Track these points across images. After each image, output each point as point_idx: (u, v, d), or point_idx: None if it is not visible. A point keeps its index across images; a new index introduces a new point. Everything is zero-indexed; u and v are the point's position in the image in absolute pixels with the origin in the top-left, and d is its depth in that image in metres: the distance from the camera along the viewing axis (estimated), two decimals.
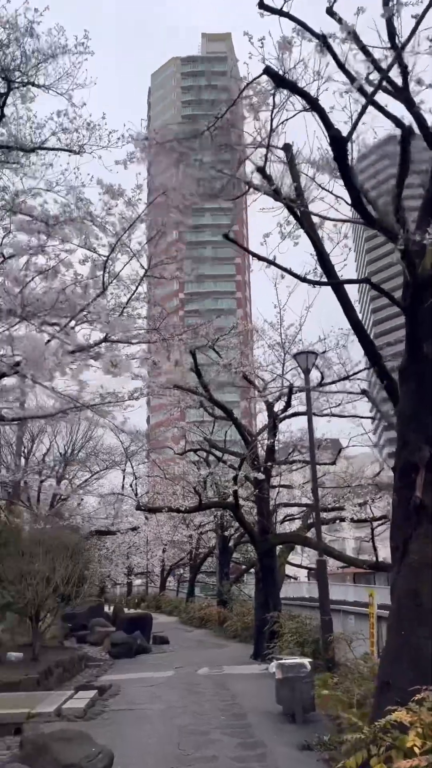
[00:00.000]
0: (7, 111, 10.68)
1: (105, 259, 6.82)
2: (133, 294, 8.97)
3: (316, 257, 7.01)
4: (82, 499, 35.74)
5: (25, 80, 10.12)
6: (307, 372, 11.78)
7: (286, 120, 5.62)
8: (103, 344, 9.71)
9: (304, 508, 19.55)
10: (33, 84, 10.38)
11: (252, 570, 31.20)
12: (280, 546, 17.11)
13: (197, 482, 16.48)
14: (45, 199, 10.39)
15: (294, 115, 5.65)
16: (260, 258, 6.12)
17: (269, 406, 16.11)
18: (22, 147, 11.07)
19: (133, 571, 49.66)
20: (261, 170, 6.93)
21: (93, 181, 9.42)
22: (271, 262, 6.16)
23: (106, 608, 34.31)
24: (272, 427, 15.22)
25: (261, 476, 13.92)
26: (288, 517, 24.01)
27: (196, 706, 10.25)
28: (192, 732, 8.47)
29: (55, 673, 13.92)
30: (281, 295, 17.98)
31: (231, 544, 26.64)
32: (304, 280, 6.20)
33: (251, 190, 7.71)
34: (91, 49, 10.26)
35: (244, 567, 32.22)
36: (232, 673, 13.53)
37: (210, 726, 8.80)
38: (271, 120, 6.62)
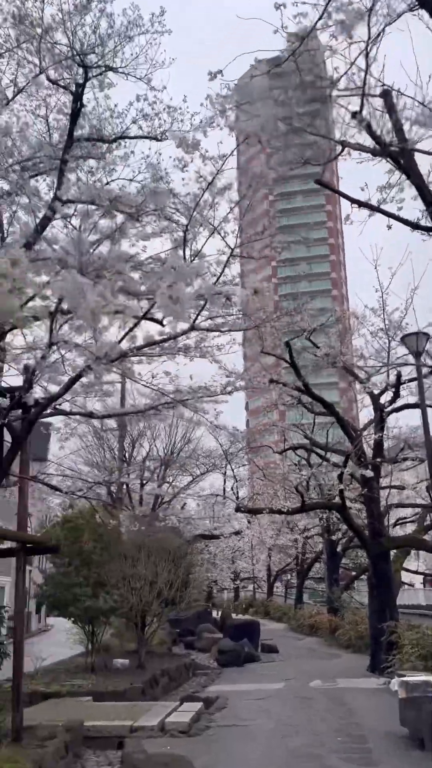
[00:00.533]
0: (86, 102, 10.40)
1: (184, 229, 6.19)
2: (219, 276, 8.30)
3: (426, 210, 6.02)
4: (185, 503, 35.66)
5: (102, 64, 9.75)
6: (418, 355, 10.61)
7: (389, 24, 4.71)
8: (192, 333, 9.16)
9: (420, 510, 18.05)
10: (111, 69, 10.00)
11: (363, 576, 29.76)
12: (395, 550, 15.81)
13: (299, 482, 15.50)
14: (128, 188, 10.01)
15: (396, 19, 4.74)
16: (361, 204, 5.24)
17: (374, 398, 14.94)
18: (103, 138, 10.75)
19: (240, 576, 49.23)
20: (357, 115, 6.05)
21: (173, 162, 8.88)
22: (375, 208, 5.27)
23: (214, 613, 33.95)
24: (379, 421, 14.05)
25: (369, 473, 12.80)
26: (400, 521, 22.43)
27: (308, 724, 9.36)
28: (305, 755, 7.61)
29: (160, 682, 13.49)
30: (383, 279, 16.61)
31: (339, 549, 25.35)
32: (416, 226, 5.26)
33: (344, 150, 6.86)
34: (168, 27, 9.78)
35: (354, 573, 30.74)
36: (348, 687, 12.48)
37: (325, 749, 7.89)
38: (367, 53, 5.74)
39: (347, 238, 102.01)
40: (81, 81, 10.21)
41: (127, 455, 24.90)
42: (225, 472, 35.47)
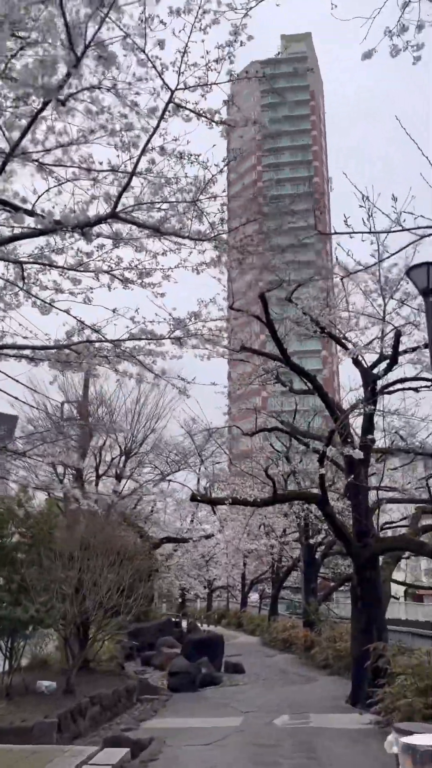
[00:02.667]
0: None
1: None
2: (156, 129, 5.64)
3: None
4: (154, 504, 33.03)
5: None
6: (428, 294, 8.05)
7: None
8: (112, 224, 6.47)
9: (414, 508, 15.40)
10: None
11: (343, 587, 27.08)
12: (383, 556, 13.17)
13: (269, 465, 12.75)
14: None
15: None
16: None
17: (364, 371, 12.35)
18: None
19: (213, 585, 46.45)
20: None
21: None
22: None
23: (183, 624, 31.23)
24: (370, 396, 11.43)
25: (358, 453, 10.14)
26: (387, 525, 19.81)
27: None
28: None
29: (88, 712, 10.69)
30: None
31: (318, 555, 22.59)
32: None
33: None
34: None
35: (332, 584, 28.07)
36: (324, 728, 9.77)
37: None
38: None
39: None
40: None
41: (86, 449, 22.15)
42: (199, 469, 33.00)
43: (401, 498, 14.49)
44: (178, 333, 8.30)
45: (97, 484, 20.80)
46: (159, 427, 23.69)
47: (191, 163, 6.15)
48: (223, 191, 6.88)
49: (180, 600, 48.37)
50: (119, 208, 5.96)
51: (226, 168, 6.49)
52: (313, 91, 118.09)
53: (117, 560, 13.77)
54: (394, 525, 20.00)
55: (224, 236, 7.21)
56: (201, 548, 30.00)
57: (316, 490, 12.22)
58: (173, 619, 33.29)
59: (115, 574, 13.48)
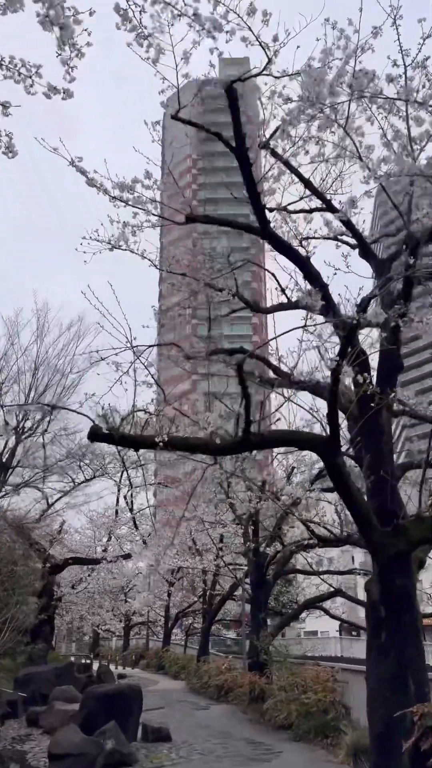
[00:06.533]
0: None
1: None
2: None
3: None
4: (64, 521, 27.46)
5: None
6: None
7: None
8: None
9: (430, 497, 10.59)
10: None
11: (301, 621, 22.13)
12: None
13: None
14: None
15: None
16: None
17: (380, 262, 7.69)
18: None
19: (131, 620, 40.50)
20: None
21: None
22: None
23: (94, 667, 25.25)
24: (412, 261, 6.69)
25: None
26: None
27: None
28: None
29: None
30: None
31: (269, 574, 17.39)
32: None
33: None
34: None
35: (280, 616, 23.01)
36: None
37: None
38: None
39: None
40: None
41: None
42: (120, 479, 27.78)
43: None
44: None
45: None
46: (65, 400, 18.16)
47: None
48: None
49: (92, 638, 42.01)
50: None
51: None
52: (250, 115, 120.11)
53: None
54: None
55: None
56: (116, 571, 24.41)
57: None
58: (83, 661, 27.18)
59: None
